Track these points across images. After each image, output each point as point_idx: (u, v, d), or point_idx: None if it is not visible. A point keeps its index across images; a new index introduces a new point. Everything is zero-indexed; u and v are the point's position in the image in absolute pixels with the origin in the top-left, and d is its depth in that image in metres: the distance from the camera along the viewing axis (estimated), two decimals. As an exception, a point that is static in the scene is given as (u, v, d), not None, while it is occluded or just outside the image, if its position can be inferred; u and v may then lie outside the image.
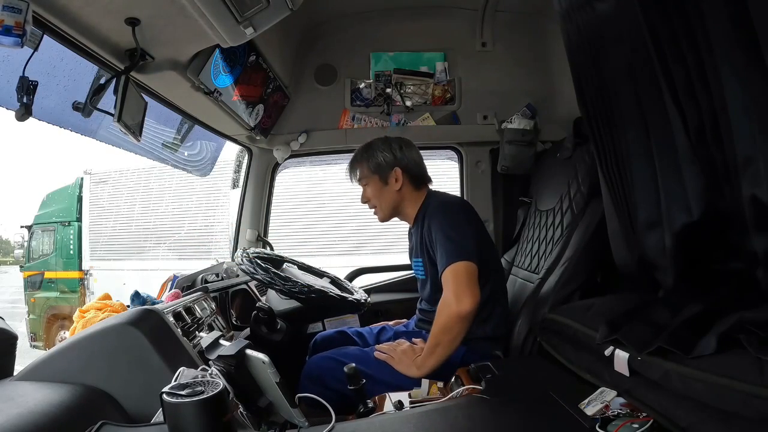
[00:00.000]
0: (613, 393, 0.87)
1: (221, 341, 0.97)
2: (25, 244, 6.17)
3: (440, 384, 1.20)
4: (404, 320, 1.70)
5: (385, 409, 1.12)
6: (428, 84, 2.07)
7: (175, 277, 1.53)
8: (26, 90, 0.97)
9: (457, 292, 1.25)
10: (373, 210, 1.54)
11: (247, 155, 2.16)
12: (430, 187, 1.54)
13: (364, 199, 1.53)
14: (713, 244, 0.93)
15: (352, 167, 1.54)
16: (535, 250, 1.72)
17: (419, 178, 1.50)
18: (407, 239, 1.63)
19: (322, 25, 2.04)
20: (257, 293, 1.78)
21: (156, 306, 1.10)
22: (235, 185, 2.31)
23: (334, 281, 1.79)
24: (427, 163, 1.54)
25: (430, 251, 1.40)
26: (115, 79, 1.15)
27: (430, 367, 1.26)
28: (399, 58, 2.07)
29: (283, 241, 4.67)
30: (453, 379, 1.17)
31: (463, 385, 1.07)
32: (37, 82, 0.98)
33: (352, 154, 1.55)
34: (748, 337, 0.69)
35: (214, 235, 5.36)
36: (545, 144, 2.00)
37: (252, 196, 2.13)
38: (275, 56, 1.76)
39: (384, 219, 1.53)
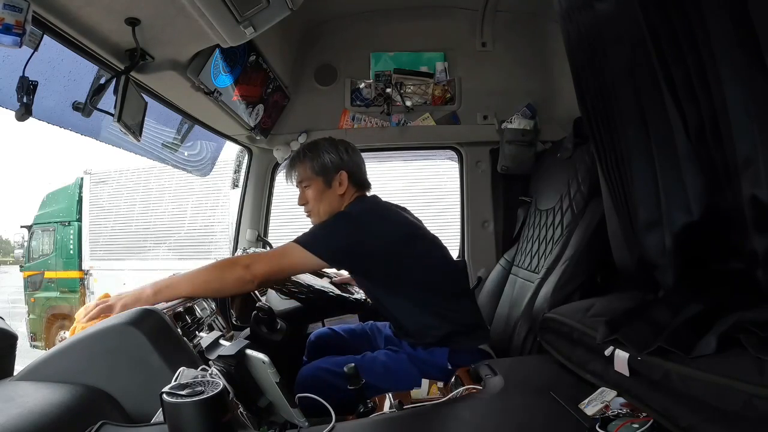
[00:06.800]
0: (613, 393, 0.87)
1: (221, 341, 0.97)
2: (25, 244, 6.18)
3: (440, 384, 1.20)
4: None
5: (385, 409, 1.12)
6: (428, 84, 2.07)
7: (175, 277, 1.53)
8: (26, 90, 0.97)
9: (261, 258, 1.29)
10: (307, 213, 1.45)
11: (247, 155, 2.16)
12: (368, 194, 1.47)
13: (303, 201, 1.44)
14: (713, 244, 0.92)
15: (293, 166, 1.44)
16: (535, 249, 1.72)
17: (360, 183, 1.45)
18: None
19: (322, 25, 2.04)
20: (257, 293, 1.78)
21: (156, 306, 1.09)
22: (235, 185, 2.31)
23: (334, 281, 1.79)
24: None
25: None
26: (115, 79, 1.16)
27: (167, 294, 1.16)
28: (399, 58, 2.07)
29: (283, 241, 4.64)
30: (453, 379, 1.17)
31: (463, 385, 1.07)
32: (37, 82, 0.98)
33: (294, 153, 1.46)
34: (748, 337, 0.69)
35: (214, 235, 5.36)
36: (545, 144, 2.00)
37: (252, 196, 2.13)
38: (275, 56, 1.76)
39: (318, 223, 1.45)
